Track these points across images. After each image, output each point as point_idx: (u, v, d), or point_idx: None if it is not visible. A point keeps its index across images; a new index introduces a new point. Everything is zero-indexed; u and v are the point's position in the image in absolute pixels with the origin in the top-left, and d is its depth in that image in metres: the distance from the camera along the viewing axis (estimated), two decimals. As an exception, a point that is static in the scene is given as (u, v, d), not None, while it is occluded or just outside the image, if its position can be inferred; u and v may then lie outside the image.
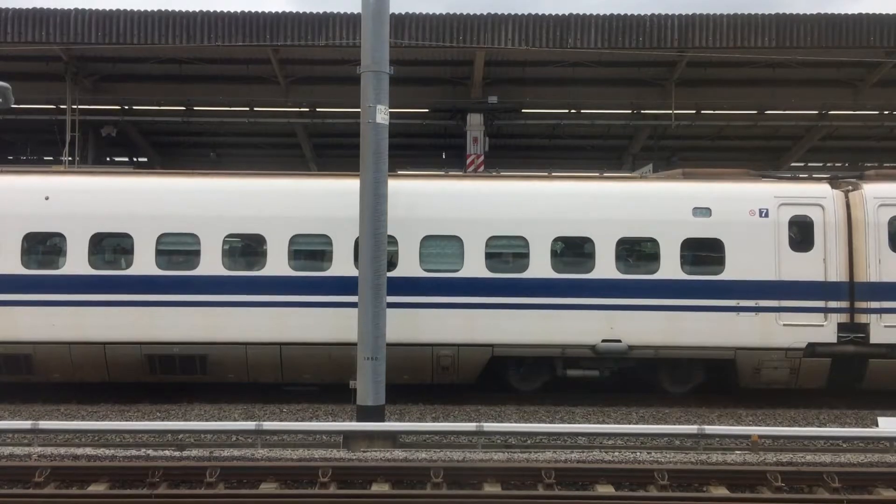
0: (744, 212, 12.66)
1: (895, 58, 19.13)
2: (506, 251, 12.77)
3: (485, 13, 18.61)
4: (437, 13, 18.69)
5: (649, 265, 12.67)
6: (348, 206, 11.44)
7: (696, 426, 10.20)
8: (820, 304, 12.57)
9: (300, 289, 12.47)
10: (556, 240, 12.70)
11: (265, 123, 22.90)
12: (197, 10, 18.60)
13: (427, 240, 12.62)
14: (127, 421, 11.36)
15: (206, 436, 10.28)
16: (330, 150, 25.43)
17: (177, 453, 9.45)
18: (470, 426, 10.06)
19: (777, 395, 13.12)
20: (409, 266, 12.49)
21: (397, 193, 11.57)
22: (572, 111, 22.45)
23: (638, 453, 9.70)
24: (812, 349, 12.54)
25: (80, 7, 18.54)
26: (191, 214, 12.61)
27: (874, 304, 12.53)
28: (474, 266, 12.53)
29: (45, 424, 9.88)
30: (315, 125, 22.84)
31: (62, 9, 18.49)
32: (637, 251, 12.88)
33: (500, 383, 13.19)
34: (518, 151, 24.84)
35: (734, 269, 12.53)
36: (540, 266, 12.52)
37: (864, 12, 18.67)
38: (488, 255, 12.59)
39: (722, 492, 8.36)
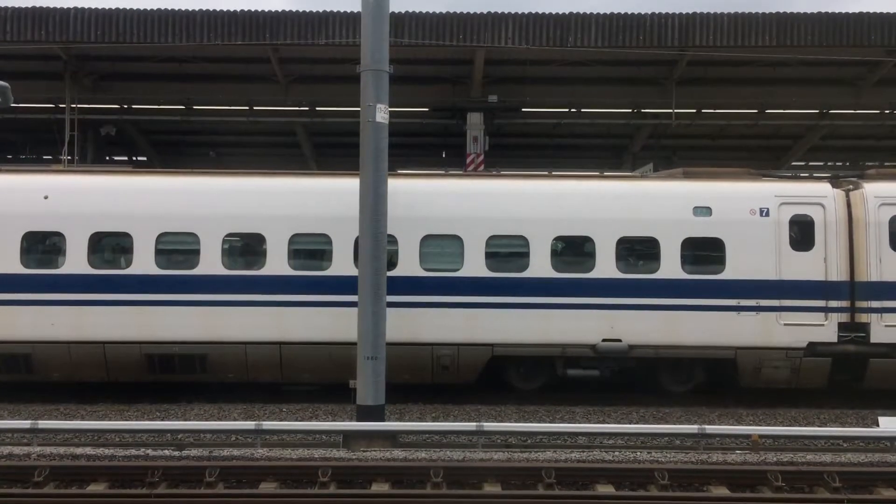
0: (744, 211, 12.64)
1: (896, 56, 19.12)
2: (506, 250, 12.74)
3: (485, 12, 18.54)
4: (437, 12, 18.66)
5: (650, 264, 12.65)
6: (348, 206, 11.41)
7: (696, 426, 10.17)
8: (820, 303, 12.55)
9: (300, 288, 12.46)
10: (557, 239, 12.68)
11: (265, 122, 22.85)
12: (196, 9, 18.54)
13: (427, 239, 12.60)
14: (126, 420, 11.34)
15: (206, 435, 10.25)
16: (330, 150, 25.39)
17: (176, 453, 9.43)
18: (470, 426, 10.03)
19: (777, 395, 13.10)
20: (409, 265, 12.47)
21: (397, 193, 11.55)
22: (572, 110, 22.40)
23: (638, 453, 9.68)
24: (812, 349, 12.52)
25: (79, 6, 18.49)
26: (190, 214, 12.59)
27: (875, 304, 12.51)
28: (474, 265, 12.51)
29: (44, 424, 9.86)
30: (315, 124, 22.79)
31: (61, 7, 18.42)
32: (637, 250, 12.86)
33: (500, 383, 13.17)
34: (518, 150, 24.80)
35: (735, 268, 12.51)
36: (540, 265, 12.50)
37: (864, 11, 18.77)
38: (488, 255, 12.57)
39: (722, 491, 8.33)
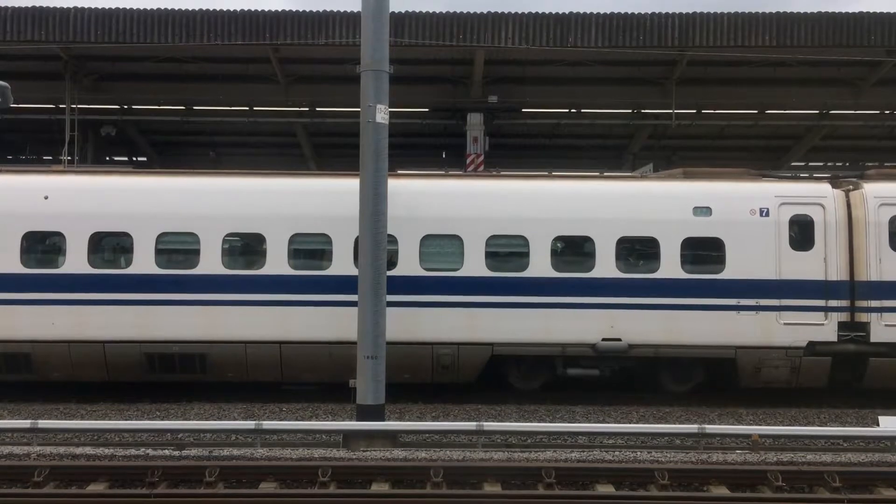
0: (744, 211, 12.64)
1: (896, 56, 19.13)
2: (506, 250, 12.74)
3: (485, 12, 18.59)
4: (437, 12, 18.71)
5: (650, 264, 12.65)
6: (348, 206, 11.39)
7: (696, 425, 10.16)
8: (820, 303, 12.55)
9: (300, 288, 12.45)
10: (557, 239, 12.68)
11: (265, 123, 22.87)
12: (196, 9, 18.57)
13: (427, 239, 12.60)
14: (126, 420, 11.34)
15: (206, 435, 10.24)
16: (330, 150, 25.41)
17: (176, 452, 9.42)
18: (470, 425, 10.02)
19: (777, 395, 13.10)
20: (409, 265, 12.47)
21: (397, 193, 11.53)
22: (572, 110, 22.43)
23: (638, 452, 9.66)
24: (812, 348, 12.52)
25: (79, 6, 18.51)
26: (190, 214, 12.59)
27: (874, 304, 12.51)
28: (474, 265, 12.51)
29: (44, 423, 9.83)
30: (315, 124, 22.81)
31: (61, 7, 18.45)
32: (637, 250, 12.86)
33: (500, 382, 13.17)
34: (518, 151, 24.81)
35: (735, 268, 12.51)
36: (540, 265, 12.50)
37: (864, 11, 18.75)
38: (488, 255, 12.57)
39: (722, 491, 8.32)
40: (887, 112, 22.64)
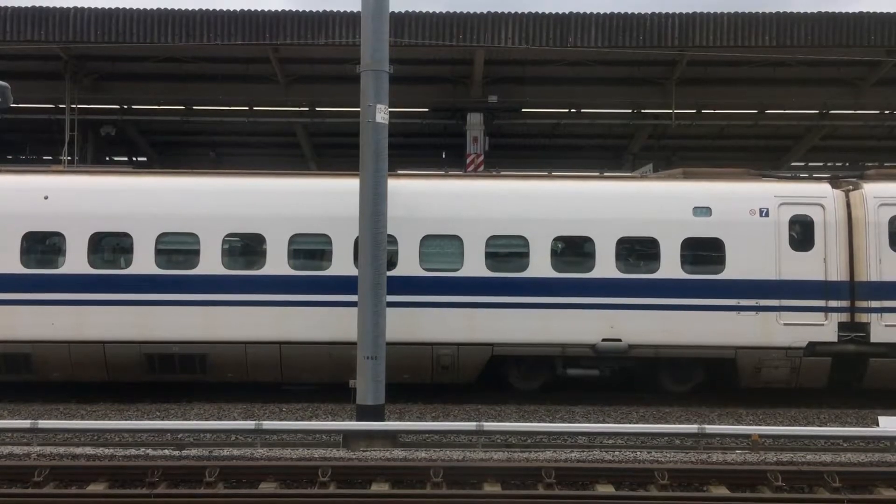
0: (744, 211, 12.64)
1: (896, 56, 19.13)
2: (506, 250, 12.74)
3: (485, 12, 18.59)
4: (437, 12, 18.73)
5: (649, 264, 12.65)
6: (348, 206, 11.39)
7: (696, 425, 10.17)
8: (820, 303, 12.55)
9: (300, 288, 12.45)
10: (556, 239, 12.68)
11: (265, 123, 22.89)
12: (196, 9, 18.57)
13: (427, 239, 12.60)
14: (126, 420, 11.34)
15: (206, 435, 10.23)
16: (329, 150, 25.42)
17: (176, 452, 9.43)
18: (470, 425, 10.03)
19: (777, 395, 13.10)
20: (408, 265, 12.47)
21: (397, 193, 11.53)
22: (572, 110, 22.43)
23: (638, 452, 9.67)
24: (812, 348, 12.52)
25: (79, 6, 18.51)
26: (190, 214, 12.59)
27: (875, 304, 12.51)
28: (474, 265, 12.51)
29: (44, 424, 9.84)
30: (315, 124, 22.83)
31: (61, 7, 18.46)
32: (637, 251, 12.86)
33: (500, 382, 13.17)
34: (518, 151, 24.83)
35: (734, 268, 12.51)
36: (540, 265, 12.50)
37: (864, 11, 18.78)
38: (488, 255, 12.57)
39: (722, 491, 8.33)
40: (887, 112, 22.65)
